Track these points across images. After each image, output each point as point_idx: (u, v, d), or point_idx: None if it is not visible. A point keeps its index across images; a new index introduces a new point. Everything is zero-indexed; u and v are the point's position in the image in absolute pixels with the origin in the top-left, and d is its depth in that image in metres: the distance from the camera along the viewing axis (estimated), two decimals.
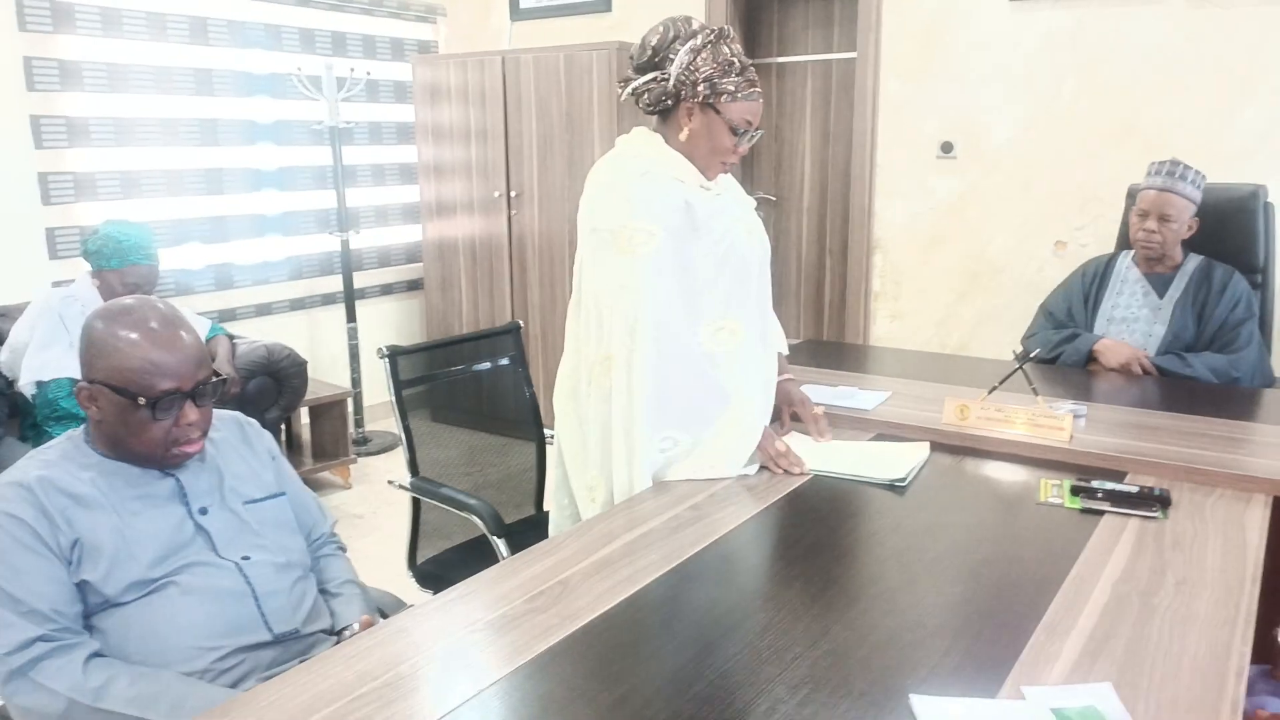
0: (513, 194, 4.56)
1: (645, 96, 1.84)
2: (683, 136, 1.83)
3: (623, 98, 1.90)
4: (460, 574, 2.23)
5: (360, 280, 4.80)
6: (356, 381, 4.65)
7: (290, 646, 1.44)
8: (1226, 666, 1.17)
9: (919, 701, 1.08)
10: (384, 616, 1.63)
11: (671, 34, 1.79)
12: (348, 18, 4.71)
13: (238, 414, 1.66)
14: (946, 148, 3.89)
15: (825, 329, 4.61)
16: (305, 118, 4.50)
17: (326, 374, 4.66)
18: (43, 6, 3.56)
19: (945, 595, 1.38)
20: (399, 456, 4.52)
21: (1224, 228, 2.84)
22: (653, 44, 1.81)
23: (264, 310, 4.49)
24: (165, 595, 1.38)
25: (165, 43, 3.95)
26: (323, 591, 1.58)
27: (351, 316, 4.61)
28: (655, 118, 1.89)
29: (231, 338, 3.41)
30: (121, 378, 1.39)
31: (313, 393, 3.91)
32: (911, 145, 3.99)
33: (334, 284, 4.71)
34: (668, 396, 1.78)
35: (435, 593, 2.25)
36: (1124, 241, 2.99)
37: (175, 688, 1.30)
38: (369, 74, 4.62)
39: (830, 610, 1.33)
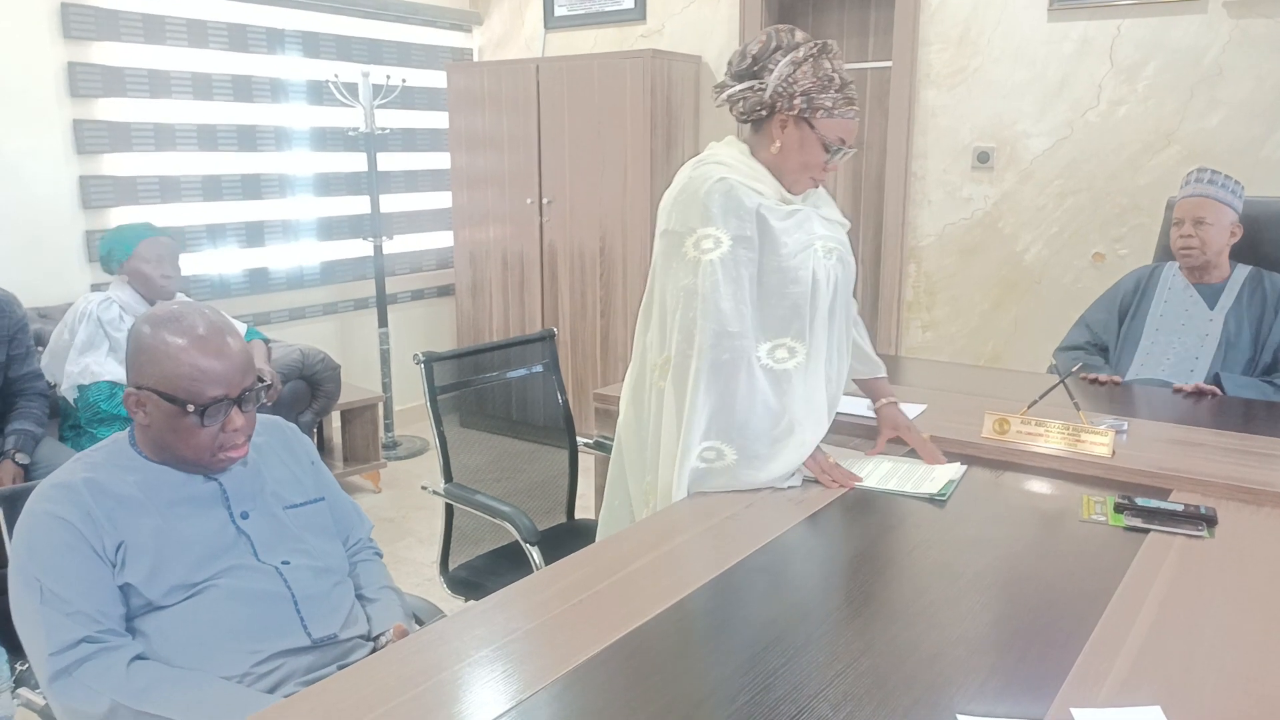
0: (545, 201, 4.58)
1: (740, 105, 1.81)
2: (774, 148, 1.80)
3: (717, 104, 1.87)
4: (493, 580, 2.26)
5: (392, 285, 4.83)
6: (387, 386, 4.68)
7: (328, 651, 1.45)
8: (1278, 690, 1.14)
9: None
10: (420, 623, 1.63)
11: (774, 44, 1.77)
12: (384, 25, 4.75)
13: (278, 418, 1.67)
14: (983, 157, 3.86)
15: None
16: (341, 124, 4.54)
17: (358, 378, 4.69)
18: (87, 14, 3.61)
19: (989, 612, 1.36)
20: (428, 461, 4.59)
21: (1267, 241, 2.79)
22: (753, 52, 1.78)
23: (297, 314, 4.53)
24: (207, 598, 1.39)
25: (206, 49, 4.01)
26: (360, 597, 1.59)
27: (383, 321, 4.64)
28: (748, 127, 1.85)
29: (267, 341, 3.44)
30: (170, 384, 1.40)
31: (345, 397, 3.93)
32: (947, 154, 3.96)
33: (366, 289, 4.74)
34: (717, 406, 1.76)
35: (467, 599, 2.27)
36: (1164, 253, 2.94)
37: (216, 692, 1.30)
38: (404, 81, 4.66)
39: (873, 625, 1.32)
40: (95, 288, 3.57)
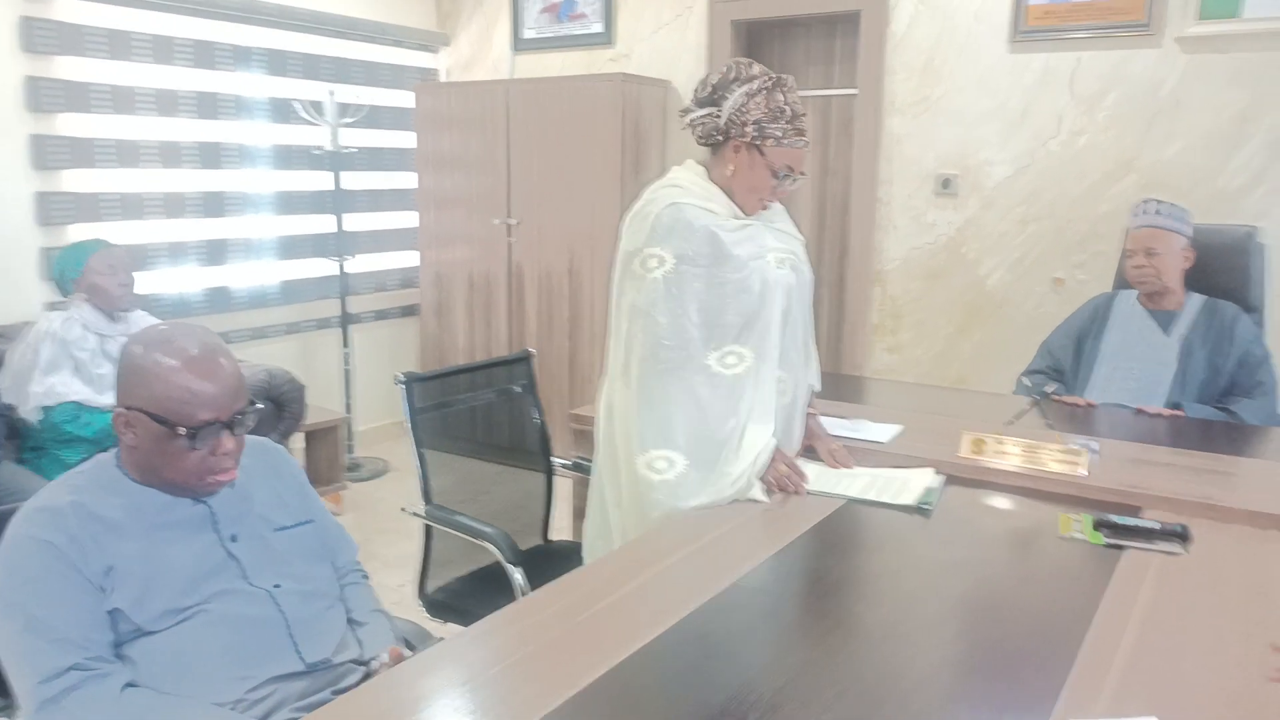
0: (513, 222, 4.58)
1: (699, 129, 1.95)
2: (728, 171, 1.94)
3: (681, 127, 2.02)
4: (470, 603, 2.24)
5: (355, 305, 4.79)
6: (349, 406, 4.63)
7: (321, 677, 1.43)
8: (1267, 699, 1.18)
9: None
10: (409, 646, 1.61)
11: (732, 75, 1.90)
12: (350, 45, 4.73)
13: (265, 440, 1.64)
14: (946, 184, 3.94)
15: (822, 361, 4.63)
16: (306, 142, 4.51)
17: (320, 399, 4.62)
18: (49, 28, 3.55)
19: (978, 632, 1.38)
20: (391, 483, 4.54)
21: (1219, 269, 2.88)
22: (713, 82, 1.92)
23: (259, 334, 4.47)
24: (197, 623, 1.36)
25: (171, 65, 3.96)
26: (349, 621, 1.57)
27: (346, 341, 4.59)
28: (708, 150, 1.98)
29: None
30: (161, 406, 1.37)
31: (308, 417, 3.88)
32: (911, 180, 4.04)
33: (329, 309, 4.69)
34: (659, 416, 1.86)
35: (445, 622, 2.24)
36: (1123, 280, 3.03)
37: (214, 718, 1.28)
38: (370, 104, 4.64)
39: (863, 649, 1.33)
40: (52, 306, 3.48)
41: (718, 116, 1.91)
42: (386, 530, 3.87)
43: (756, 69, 1.91)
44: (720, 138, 1.93)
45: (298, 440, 4.19)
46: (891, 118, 4.04)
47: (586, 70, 4.67)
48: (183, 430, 1.37)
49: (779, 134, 1.88)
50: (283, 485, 1.59)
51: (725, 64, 1.93)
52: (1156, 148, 3.59)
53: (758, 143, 1.88)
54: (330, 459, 4.10)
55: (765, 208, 1.99)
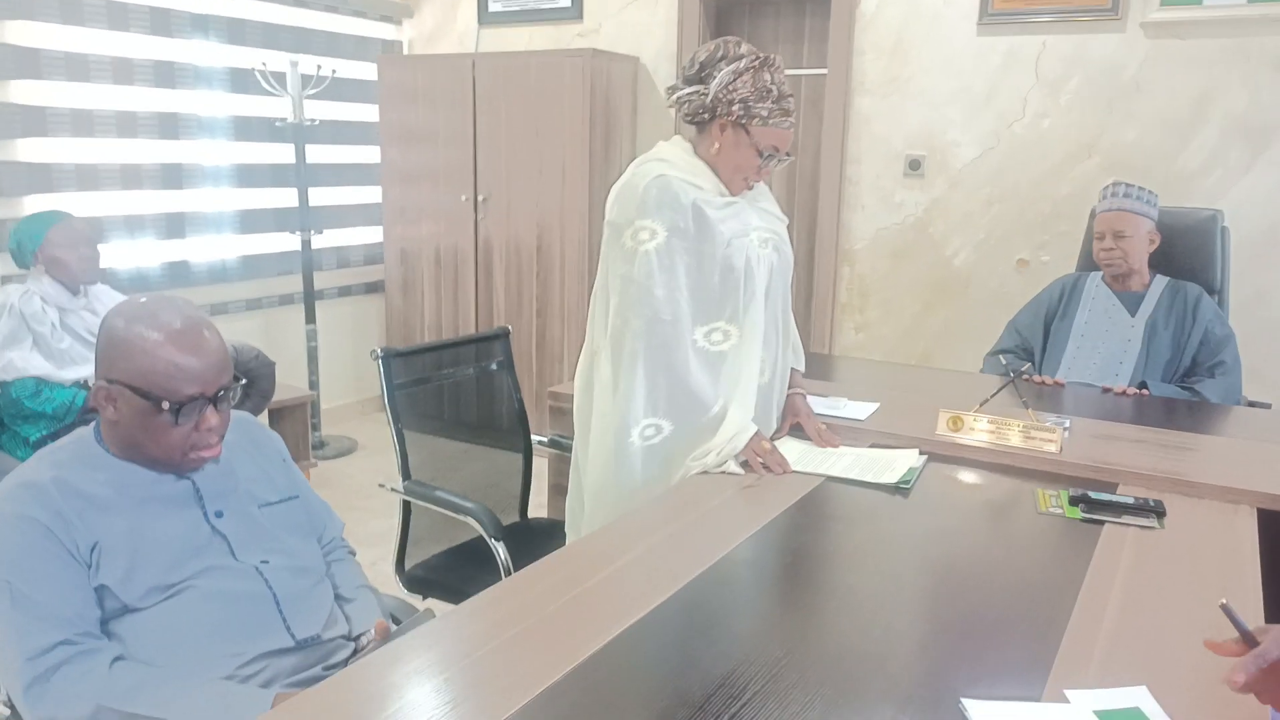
0: (480, 198, 4.53)
1: (685, 107, 1.94)
2: (713, 150, 1.93)
3: (666, 105, 2.01)
4: (450, 578, 2.24)
5: (318, 281, 4.71)
6: (315, 384, 4.56)
7: (311, 652, 1.41)
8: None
9: (972, 706, 1.10)
10: (395, 622, 1.60)
11: (720, 53, 1.89)
12: (311, 14, 4.63)
13: (246, 415, 1.62)
14: (914, 164, 3.98)
15: None
16: (267, 113, 4.41)
17: (284, 376, 4.52)
18: None
19: (968, 601, 1.41)
20: (358, 461, 4.50)
21: (1183, 251, 2.95)
22: (701, 59, 1.91)
23: (219, 309, 4.38)
24: (185, 600, 1.34)
25: (127, 32, 3.84)
26: (336, 597, 1.55)
27: (311, 318, 4.52)
28: (694, 128, 1.97)
29: None
30: (144, 380, 1.34)
31: (275, 395, 3.82)
32: (880, 160, 4.07)
33: (291, 284, 4.61)
34: (652, 387, 1.88)
35: (425, 597, 2.23)
36: (1087, 261, 3.08)
37: (209, 690, 1.26)
38: (335, 72, 4.54)
39: (860, 614, 1.35)
40: (8, 279, 3.38)
41: (704, 94, 1.90)
42: (356, 507, 3.83)
43: (745, 48, 1.90)
44: (706, 116, 1.92)
45: (263, 419, 4.12)
46: (861, 98, 4.06)
47: (554, 45, 4.63)
48: (167, 405, 1.34)
49: (765, 114, 1.88)
50: (267, 461, 1.56)
51: (714, 42, 1.92)
52: (1117, 130, 3.65)
53: (744, 122, 1.88)
54: (297, 437, 4.04)
55: (750, 187, 2.00)
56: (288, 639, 1.38)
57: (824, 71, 4.13)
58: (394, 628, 1.55)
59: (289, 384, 4.36)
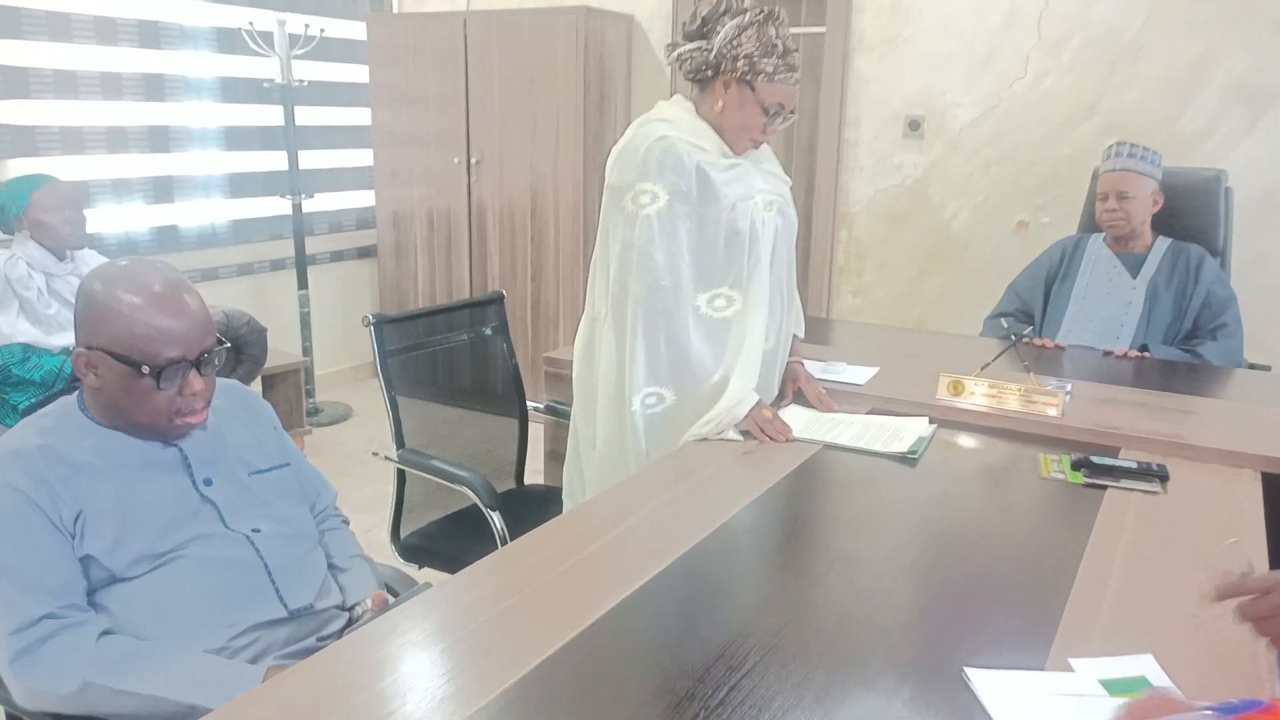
0: (473, 161, 4.47)
1: (688, 63, 1.87)
2: (717, 108, 1.87)
3: (666, 62, 1.94)
4: (446, 546, 2.22)
5: (310, 246, 4.65)
6: (308, 350, 4.52)
7: (305, 623, 1.39)
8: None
9: (975, 675, 1.09)
10: (391, 592, 1.58)
11: (723, 7, 1.83)
12: None
13: (235, 382, 1.58)
14: (914, 125, 3.92)
15: None
16: (255, 74, 4.32)
17: (276, 342, 4.48)
18: None
19: (971, 567, 1.39)
20: (353, 428, 4.47)
21: (1186, 212, 2.91)
22: (703, 14, 1.84)
23: (210, 275, 4.33)
24: (175, 569, 1.31)
25: None
26: (330, 566, 1.53)
27: (303, 283, 4.47)
28: (696, 86, 1.91)
29: None
30: (124, 344, 1.31)
31: (267, 361, 3.78)
32: (878, 122, 4.01)
33: (282, 249, 4.55)
34: (653, 354, 1.84)
35: (421, 566, 2.22)
36: (1088, 223, 3.04)
37: (199, 664, 1.24)
38: (323, 31, 4.45)
39: (861, 580, 1.33)
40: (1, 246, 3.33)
41: (707, 51, 1.83)
42: (350, 474, 3.81)
43: (748, 1, 1.84)
44: (709, 73, 1.85)
45: (256, 385, 4.09)
46: (859, 57, 3.99)
47: (548, 3, 4.53)
48: (147, 369, 1.31)
49: (770, 69, 1.81)
50: (258, 428, 1.53)
51: None
52: (1119, 92, 3.60)
53: (748, 78, 1.81)
54: (291, 403, 4.01)
55: (755, 147, 1.94)
56: (280, 609, 1.36)
57: (822, 30, 4.05)
58: (391, 599, 1.53)
59: (282, 350, 4.32)
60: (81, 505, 1.27)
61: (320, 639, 1.38)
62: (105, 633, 1.24)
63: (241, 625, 1.32)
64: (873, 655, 1.15)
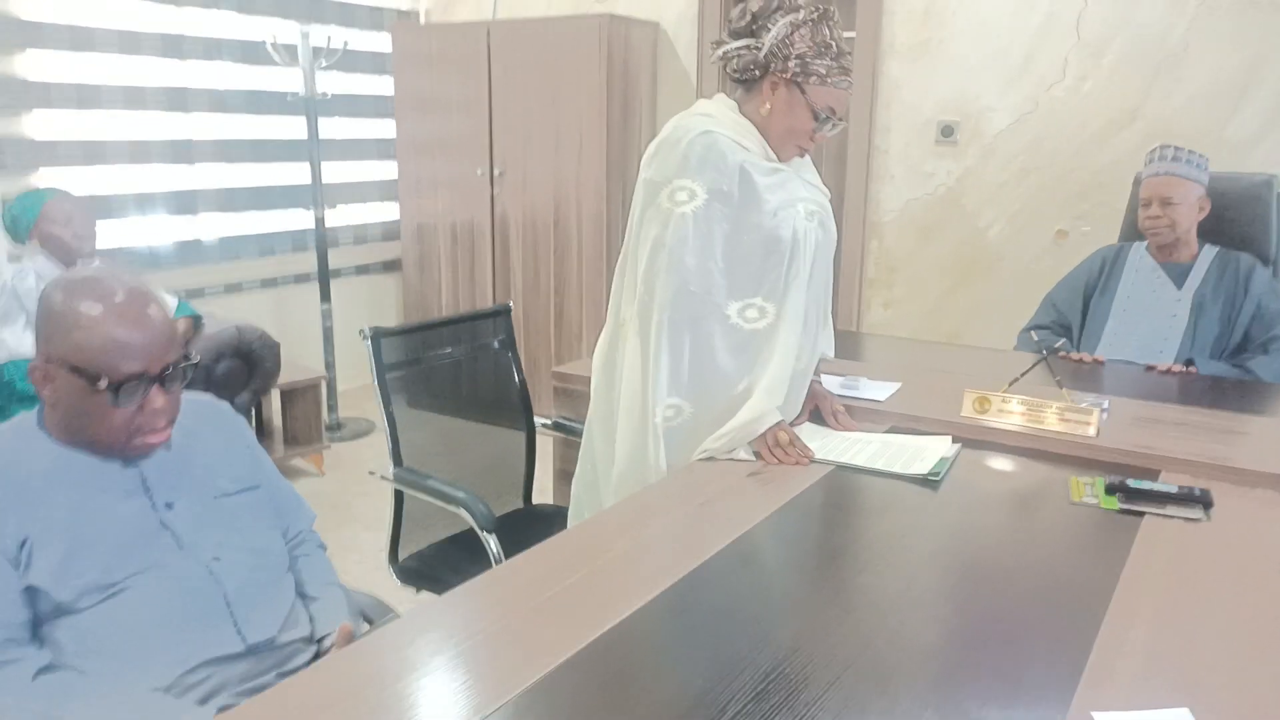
0: (496, 172, 4.41)
1: (734, 62, 1.77)
2: (763, 110, 1.76)
3: (712, 60, 1.84)
4: (445, 571, 2.12)
5: (334, 259, 4.62)
6: (330, 365, 4.48)
7: (265, 658, 1.30)
8: None
9: None
10: (368, 622, 1.49)
11: (774, 4, 1.72)
12: None
13: (209, 397, 1.51)
14: (947, 131, 3.78)
15: None
16: (279, 87, 4.31)
17: (299, 356, 4.48)
18: None
19: (988, 604, 1.26)
20: (374, 443, 4.41)
21: (1235, 219, 2.74)
22: (753, 10, 1.74)
23: (233, 288, 4.31)
24: (124, 601, 1.23)
25: (132, 3, 3.75)
26: (301, 595, 1.44)
27: (326, 296, 4.43)
28: (740, 87, 1.80)
29: (199, 318, 3.24)
30: (81, 356, 1.24)
31: (284, 376, 3.74)
32: (910, 129, 3.88)
33: (306, 262, 4.52)
34: (676, 363, 1.73)
35: (419, 590, 2.13)
36: (1130, 232, 2.89)
37: (142, 704, 1.15)
38: (346, 43, 4.43)
39: (868, 619, 1.21)
40: (11, 259, 3.32)
41: (757, 49, 1.72)
42: (369, 492, 3.75)
43: None
44: (757, 73, 1.74)
45: (274, 400, 4.06)
46: (890, 62, 3.87)
47: (573, 10, 4.47)
48: (105, 383, 1.23)
49: (823, 71, 1.70)
50: (228, 448, 1.45)
51: None
52: (1163, 96, 3.43)
53: (799, 80, 1.70)
54: (309, 419, 3.96)
55: (800, 154, 1.83)
56: (237, 643, 1.28)
57: (852, 34, 3.93)
58: (366, 627, 1.44)
59: (303, 364, 4.29)
60: (28, 530, 1.20)
61: (281, 675, 1.29)
62: (45, 669, 1.17)
63: (194, 660, 1.23)
64: (872, 706, 1.03)
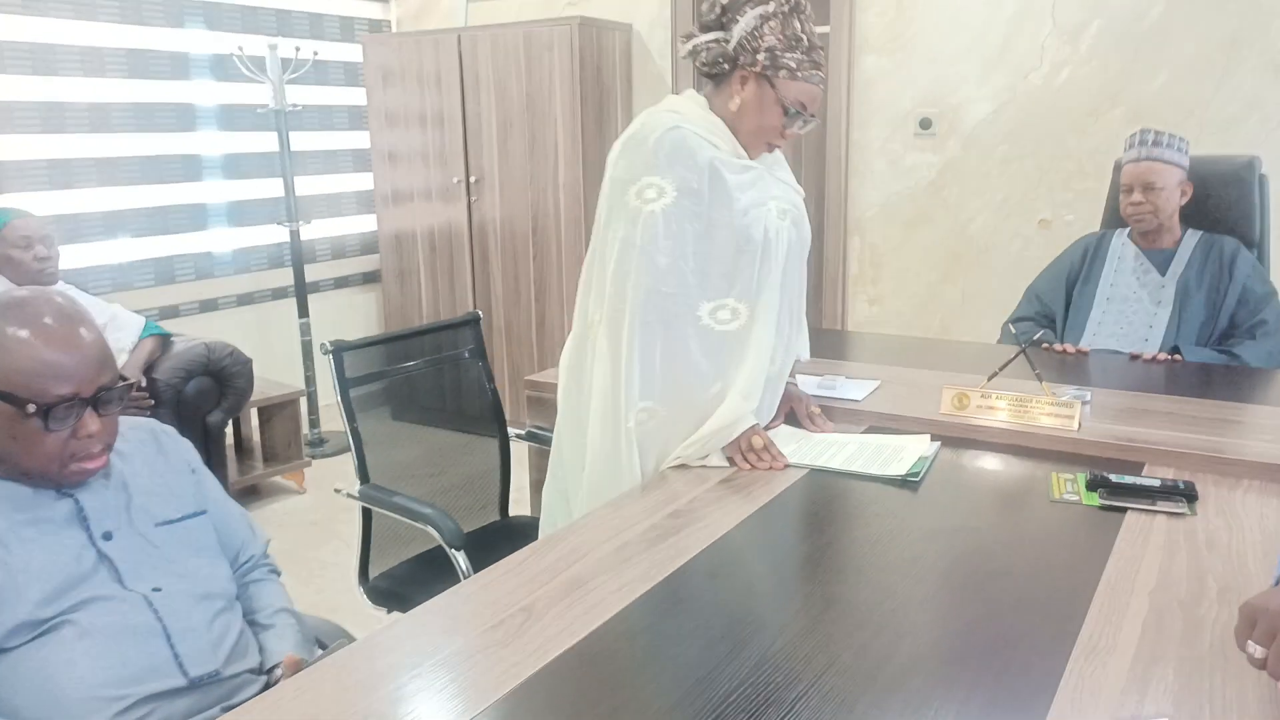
0: (472, 180, 4.35)
1: (703, 55, 1.72)
2: (733, 105, 1.71)
3: (682, 54, 1.79)
4: (417, 590, 2.06)
5: (312, 273, 4.56)
6: (310, 380, 4.42)
7: (209, 692, 1.24)
8: None
9: None
10: (322, 648, 1.43)
11: None
12: None
13: (152, 421, 1.45)
14: (925, 124, 3.73)
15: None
16: (249, 101, 4.25)
17: (279, 372, 4.42)
18: None
19: (965, 613, 1.21)
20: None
21: (1219, 201, 2.69)
22: (723, 3, 1.69)
23: (209, 306, 4.25)
24: (59, 637, 1.17)
25: (95, 21, 3.69)
26: (252, 623, 1.38)
27: (304, 311, 4.37)
28: (710, 82, 1.76)
29: (168, 336, 3.18)
30: (8, 381, 1.18)
31: (261, 393, 3.68)
32: (888, 122, 3.83)
33: (284, 277, 4.47)
34: (651, 367, 1.67)
35: (390, 610, 2.07)
36: (1113, 219, 2.83)
37: None
38: (316, 54, 4.37)
39: (837, 633, 1.15)
40: None
41: (726, 42, 1.68)
42: (351, 508, 3.63)
43: None
44: (726, 66, 1.70)
45: (252, 417, 4.00)
46: (865, 56, 3.82)
47: (544, 15, 4.42)
48: (33, 408, 1.18)
49: (793, 65, 1.65)
50: (171, 472, 1.39)
51: None
52: (1143, 79, 3.39)
53: (769, 74, 1.66)
54: (288, 436, 3.90)
55: (770, 151, 1.78)
56: (179, 677, 1.22)
57: (826, 29, 3.88)
58: (319, 652, 1.38)
59: (283, 381, 4.23)
60: None
61: (227, 708, 1.22)
62: None
63: (133, 697, 1.17)
64: (846, 717, 0.97)
